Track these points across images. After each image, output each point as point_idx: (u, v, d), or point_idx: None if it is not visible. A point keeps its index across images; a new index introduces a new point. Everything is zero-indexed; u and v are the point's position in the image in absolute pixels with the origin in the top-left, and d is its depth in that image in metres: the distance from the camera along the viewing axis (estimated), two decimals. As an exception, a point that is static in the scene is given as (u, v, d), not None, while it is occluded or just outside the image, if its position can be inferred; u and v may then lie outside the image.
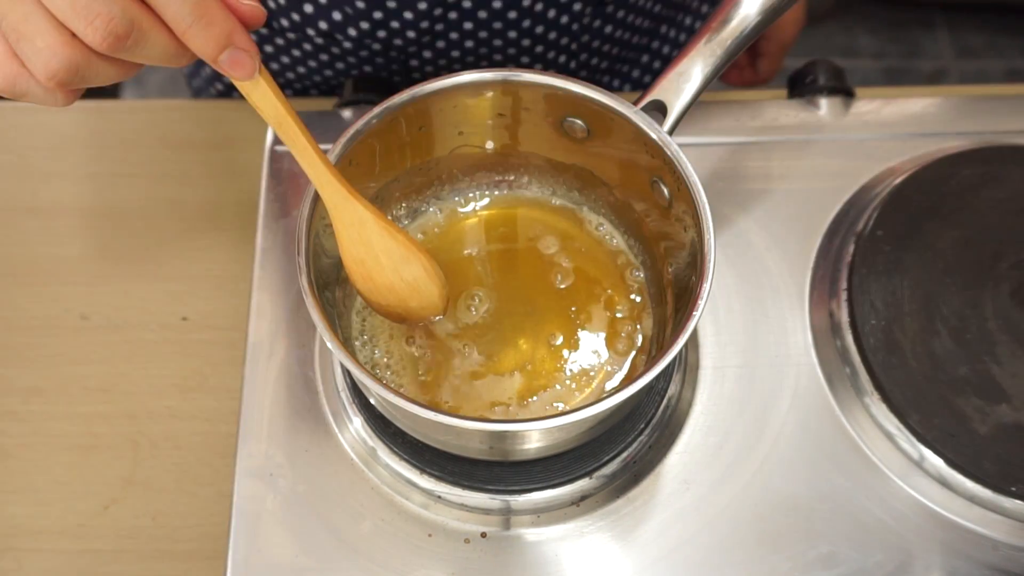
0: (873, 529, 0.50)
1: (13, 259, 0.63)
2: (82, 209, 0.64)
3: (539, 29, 0.64)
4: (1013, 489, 0.50)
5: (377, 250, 0.46)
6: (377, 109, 0.46)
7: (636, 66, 0.75)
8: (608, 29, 0.68)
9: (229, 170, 0.65)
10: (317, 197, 0.44)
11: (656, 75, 0.76)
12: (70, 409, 0.58)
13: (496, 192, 0.56)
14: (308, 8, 0.65)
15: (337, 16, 0.65)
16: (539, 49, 0.66)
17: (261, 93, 0.41)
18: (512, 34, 0.64)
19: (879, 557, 0.49)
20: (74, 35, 0.36)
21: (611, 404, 0.41)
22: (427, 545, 0.49)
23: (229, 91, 0.79)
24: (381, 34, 0.64)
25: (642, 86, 0.77)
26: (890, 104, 0.63)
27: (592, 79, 0.73)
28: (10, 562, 0.54)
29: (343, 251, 0.46)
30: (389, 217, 0.54)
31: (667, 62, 0.75)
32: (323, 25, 0.66)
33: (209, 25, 0.37)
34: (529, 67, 0.68)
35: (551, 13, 0.63)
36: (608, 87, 0.75)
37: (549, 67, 0.69)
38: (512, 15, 0.63)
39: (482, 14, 0.63)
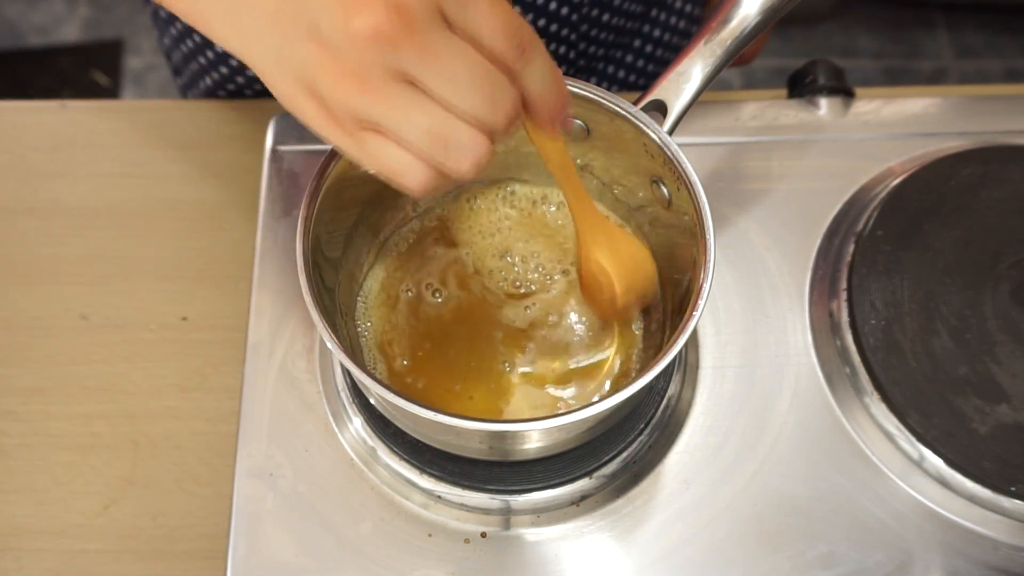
0: (873, 529, 0.50)
1: (13, 259, 0.63)
2: (82, 209, 0.64)
3: (541, 22, 0.65)
4: (1013, 489, 0.50)
5: (623, 252, 0.49)
6: (377, 109, 0.46)
7: (629, 51, 0.76)
8: (605, 17, 0.69)
9: (229, 170, 0.65)
10: (316, 197, 0.44)
11: (648, 58, 0.77)
12: (70, 409, 0.58)
13: (496, 191, 0.56)
14: None
15: None
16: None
17: (560, 146, 0.44)
18: None
19: (879, 557, 0.49)
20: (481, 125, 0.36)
21: (611, 404, 0.41)
22: (427, 545, 0.49)
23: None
24: None
25: (635, 70, 0.77)
26: (890, 104, 0.63)
27: (588, 67, 0.73)
28: (10, 562, 0.54)
29: (589, 265, 0.49)
30: (389, 217, 0.54)
31: (659, 44, 0.76)
32: None
33: (563, 90, 0.40)
34: None
35: (552, 5, 0.64)
36: (603, 73, 0.75)
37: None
38: (515, 9, 0.63)
39: None
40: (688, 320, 0.42)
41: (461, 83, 0.35)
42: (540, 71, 0.38)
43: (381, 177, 0.38)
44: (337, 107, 0.35)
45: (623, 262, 0.49)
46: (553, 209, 0.55)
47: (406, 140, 0.36)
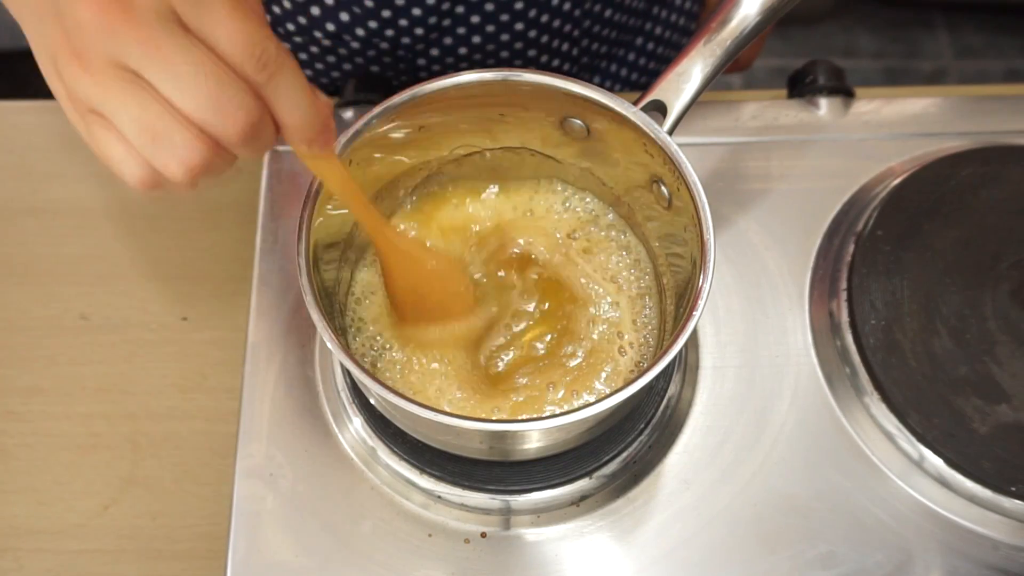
0: (873, 529, 0.50)
1: (13, 259, 0.63)
2: (82, 209, 0.64)
3: (544, 18, 0.65)
4: (1013, 489, 0.50)
5: (429, 272, 0.49)
6: (377, 109, 0.46)
7: (631, 48, 0.76)
8: (607, 13, 0.69)
9: (229, 170, 0.65)
10: (316, 196, 0.45)
11: (651, 56, 0.77)
12: (70, 409, 0.58)
13: (496, 191, 0.56)
14: (315, 11, 0.65)
15: (345, 17, 0.65)
16: (544, 39, 0.67)
17: (331, 165, 0.43)
18: (519, 26, 0.64)
19: (879, 557, 0.49)
20: (202, 130, 0.35)
21: (611, 404, 0.41)
22: (427, 545, 0.49)
23: None
24: (389, 33, 0.64)
25: (638, 68, 0.78)
26: (890, 104, 0.63)
27: (592, 65, 0.73)
28: (10, 562, 0.54)
29: (395, 286, 0.50)
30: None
31: (660, 42, 0.76)
32: (330, 27, 0.66)
33: (317, 111, 0.38)
34: (535, 58, 0.68)
35: (555, 0, 0.64)
36: (606, 72, 0.75)
37: (554, 56, 0.69)
38: (519, 5, 0.63)
39: (489, 6, 0.63)
40: (688, 320, 0.42)
41: (182, 80, 0.34)
42: (286, 88, 0.36)
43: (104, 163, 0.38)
44: (70, 87, 0.36)
45: (426, 278, 0.50)
46: (543, 204, 0.55)
47: (120, 130, 0.36)
